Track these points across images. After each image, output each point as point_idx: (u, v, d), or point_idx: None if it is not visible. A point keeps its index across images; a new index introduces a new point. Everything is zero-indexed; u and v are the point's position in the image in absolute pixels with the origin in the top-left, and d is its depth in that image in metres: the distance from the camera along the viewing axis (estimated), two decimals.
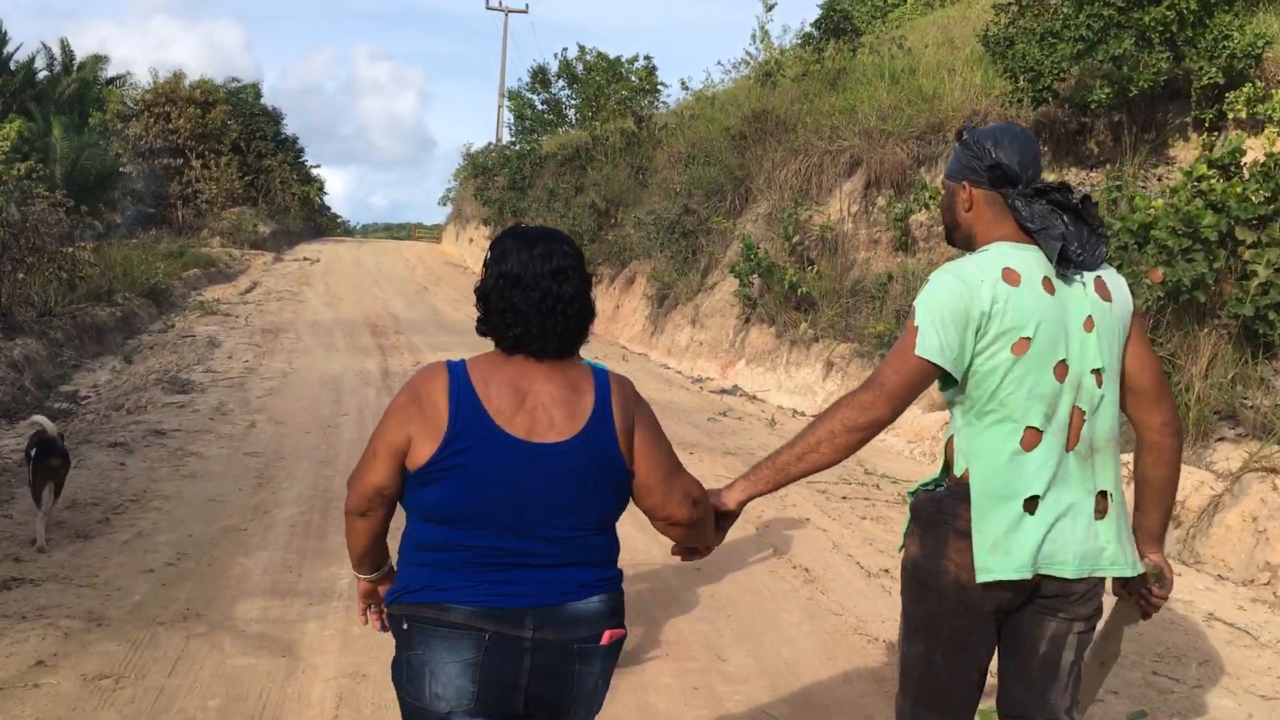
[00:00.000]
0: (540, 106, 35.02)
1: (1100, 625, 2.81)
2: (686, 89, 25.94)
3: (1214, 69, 10.13)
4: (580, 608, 2.32)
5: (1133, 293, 2.77)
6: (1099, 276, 2.67)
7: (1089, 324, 2.61)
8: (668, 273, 17.71)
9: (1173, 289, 8.35)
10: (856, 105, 15.68)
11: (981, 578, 2.55)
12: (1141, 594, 2.81)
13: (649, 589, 5.51)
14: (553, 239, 2.37)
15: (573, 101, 33.60)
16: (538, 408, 2.28)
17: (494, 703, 2.26)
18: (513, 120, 35.88)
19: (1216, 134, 10.84)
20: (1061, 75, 11.40)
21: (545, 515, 2.28)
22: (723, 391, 13.52)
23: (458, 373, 2.30)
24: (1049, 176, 10.42)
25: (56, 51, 37.49)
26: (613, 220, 21.27)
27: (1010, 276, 2.55)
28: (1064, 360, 2.57)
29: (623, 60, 28.56)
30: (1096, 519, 2.62)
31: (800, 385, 12.88)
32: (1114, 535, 2.64)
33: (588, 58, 32.52)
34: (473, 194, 31.76)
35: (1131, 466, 2.83)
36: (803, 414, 11.71)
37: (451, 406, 2.25)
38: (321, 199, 46.53)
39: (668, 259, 17.88)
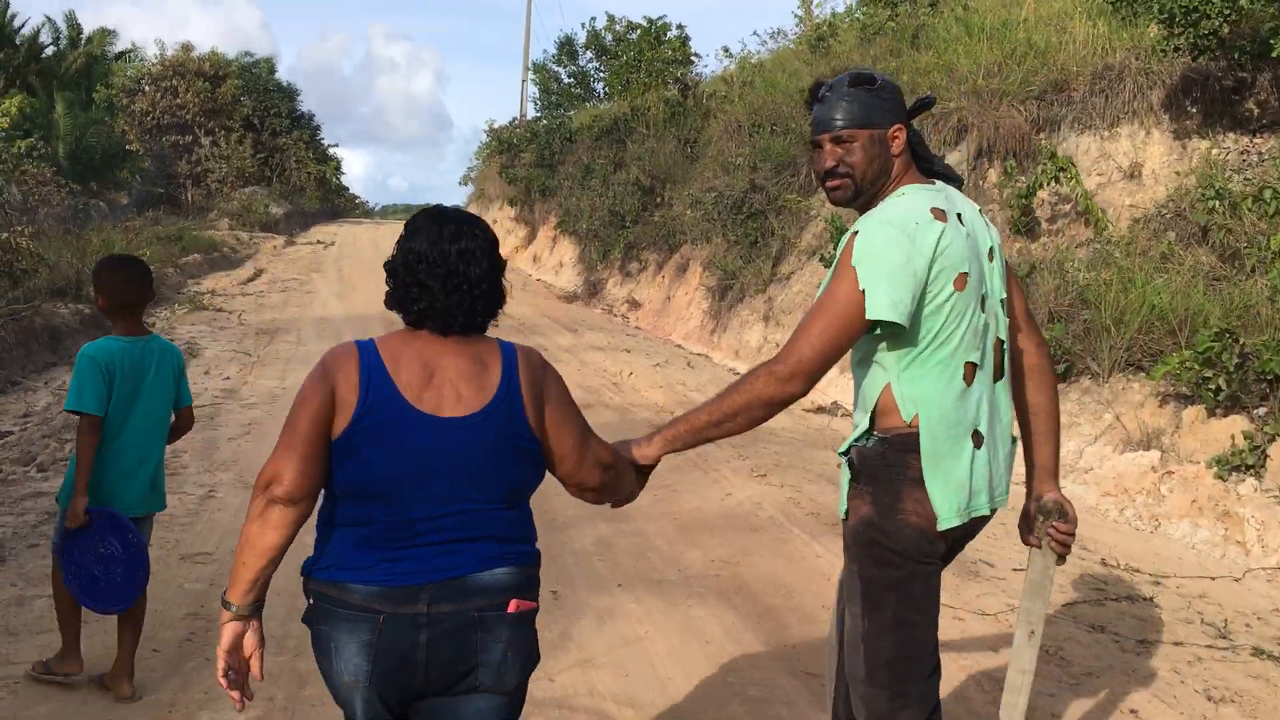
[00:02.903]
0: (567, 80, 31.70)
1: (1024, 589, 2.72)
2: (730, 56, 22.66)
3: None
4: (483, 578, 2.21)
5: None
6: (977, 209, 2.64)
7: (991, 255, 2.60)
8: (730, 259, 14.53)
9: None
10: (955, 63, 12.58)
11: (957, 520, 2.44)
12: (1050, 534, 2.67)
13: None
14: (465, 221, 2.31)
15: (601, 74, 30.28)
16: (445, 384, 2.21)
17: (391, 680, 2.17)
18: (538, 95, 32.54)
19: None
20: (1234, 16, 8.32)
21: (452, 489, 2.19)
22: (820, 410, 10.36)
23: (368, 350, 2.22)
24: (1202, 144, 7.49)
25: (63, 26, 34.52)
26: (659, 199, 18.07)
27: (939, 215, 2.47)
28: (984, 293, 2.54)
29: (660, 22, 25.16)
30: (1011, 445, 2.63)
31: None
32: (1010, 464, 2.64)
33: (617, 28, 29.17)
34: (497, 172, 28.44)
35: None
36: None
37: (362, 383, 2.16)
38: (338, 179, 43.20)
39: (730, 243, 14.71)
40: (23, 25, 32.95)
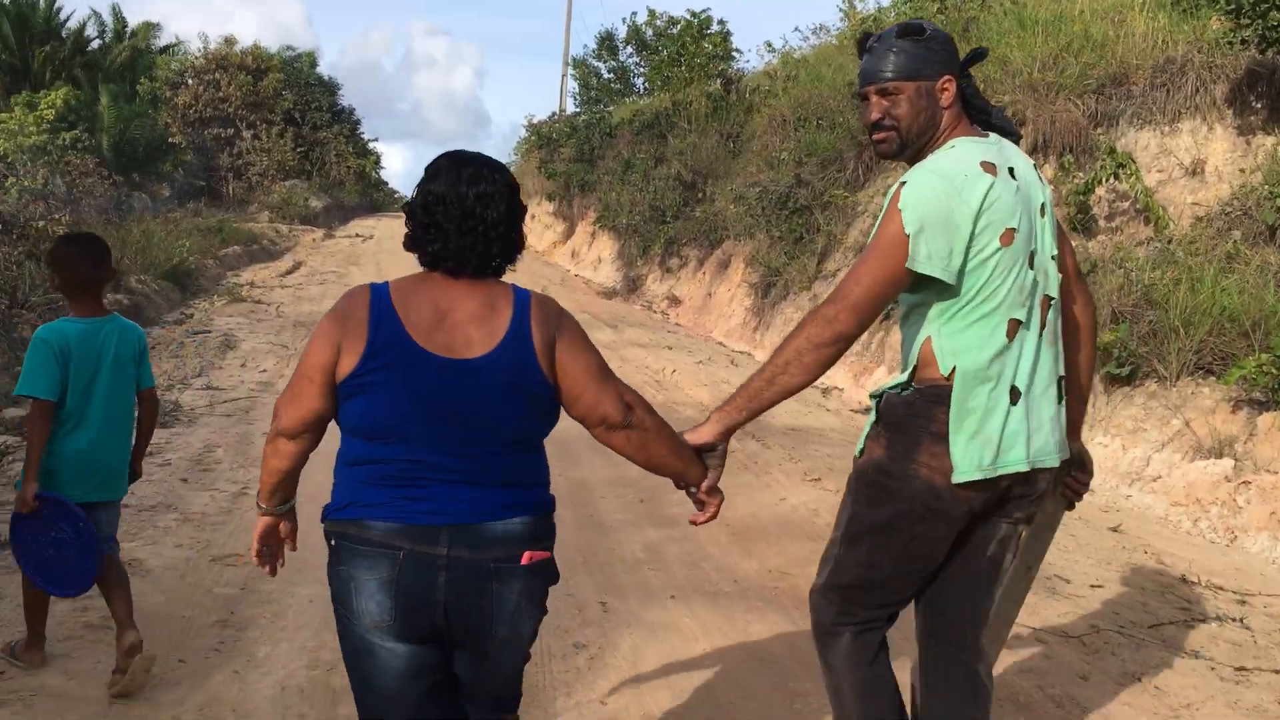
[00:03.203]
0: (606, 75, 31.40)
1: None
2: (772, 51, 22.30)
3: None
4: (498, 528, 2.21)
5: None
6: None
7: (1043, 210, 2.53)
8: (774, 255, 14.17)
9: None
10: (1008, 56, 12.15)
11: (978, 475, 2.38)
12: (1066, 483, 2.72)
13: None
14: (485, 164, 2.29)
15: (641, 69, 29.96)
16: (456, 326, 2.21)
17: (412, 619, 2.19)
18: (577, 90, 32.25)
19: None
20: None
21: (462, 431, 2.19)
22: (869, 410, 10.00)
23: (380, 292, 2.23)
24: (1268, 140, 6.98)
25: (108, 19, 34.64)
26: (700, 194, 17.72)
27: (989, 168, 2.41)
28: (1033, 249, 2.48)
29: (703, 16, 24.77)
30: (1058, 404, 2.54)
31: None
32: (1062, 420, 2.58)
33: (658, 22, 28.83)
34: (536, 167, 28.19)
35: None
36: None
37: (372, 323, 2.18)
38: (378, 173, 43.13)
39: (773, 239, 14.34)
40: (69, 18, 33.14)
